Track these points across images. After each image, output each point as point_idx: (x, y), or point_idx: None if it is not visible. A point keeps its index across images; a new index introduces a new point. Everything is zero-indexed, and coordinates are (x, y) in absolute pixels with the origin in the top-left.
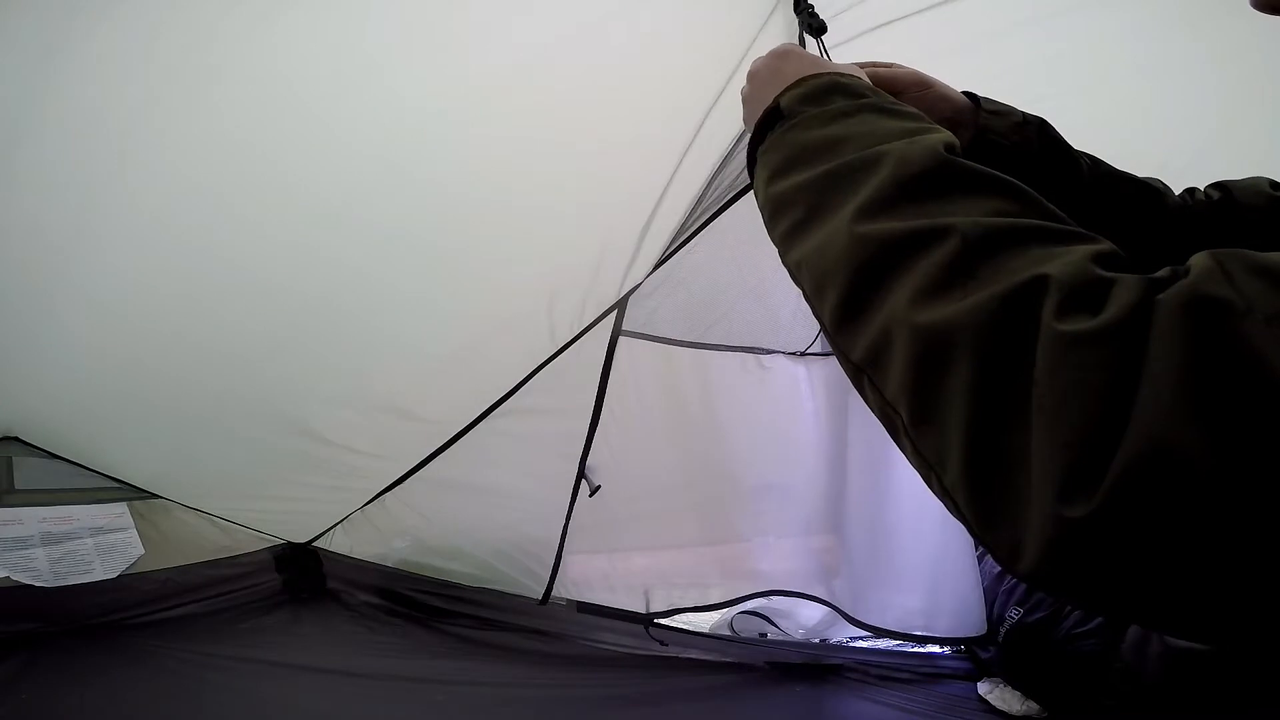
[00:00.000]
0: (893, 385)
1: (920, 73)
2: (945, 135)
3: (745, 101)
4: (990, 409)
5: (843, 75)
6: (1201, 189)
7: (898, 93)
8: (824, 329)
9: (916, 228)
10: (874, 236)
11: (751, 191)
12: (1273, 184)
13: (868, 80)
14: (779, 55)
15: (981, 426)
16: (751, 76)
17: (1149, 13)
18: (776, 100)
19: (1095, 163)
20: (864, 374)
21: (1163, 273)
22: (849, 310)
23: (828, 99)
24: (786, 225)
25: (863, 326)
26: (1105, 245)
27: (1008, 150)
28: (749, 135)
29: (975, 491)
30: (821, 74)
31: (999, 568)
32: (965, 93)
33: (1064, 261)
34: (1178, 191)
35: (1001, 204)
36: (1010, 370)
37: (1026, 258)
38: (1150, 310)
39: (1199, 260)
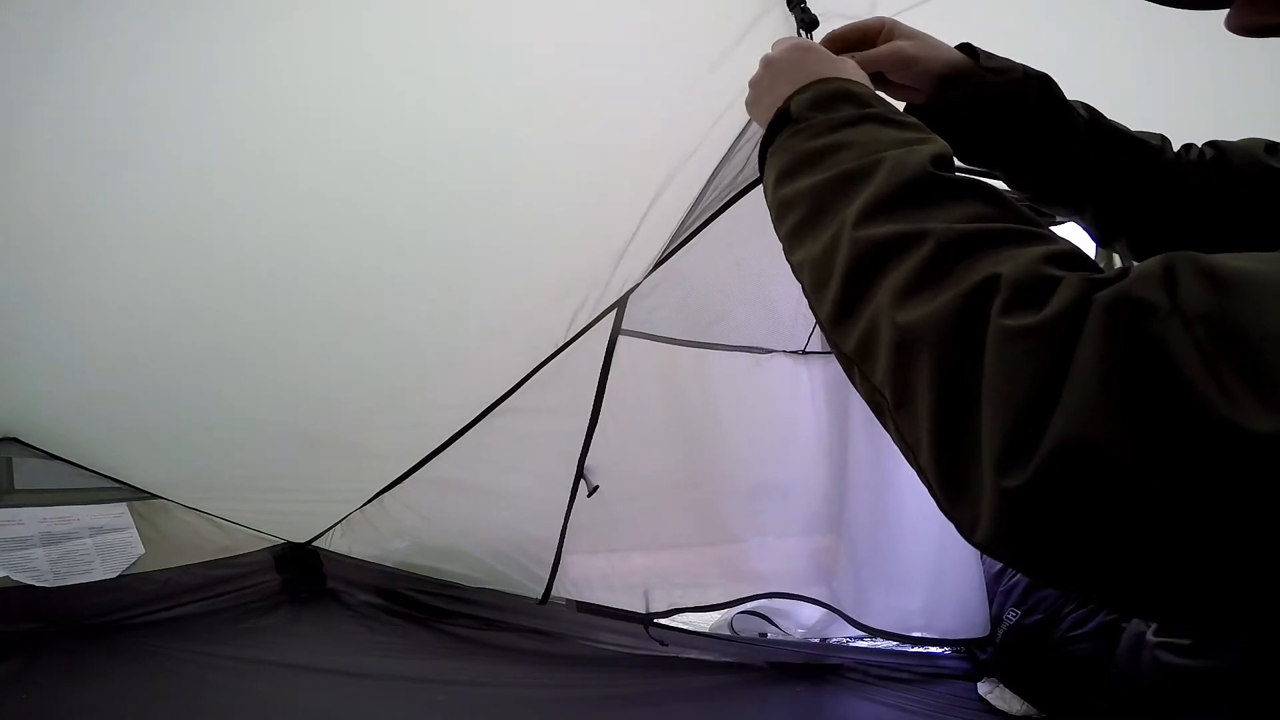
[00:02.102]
0: (879, 373)
1: (903, 47)
2: (937, 146)
3: (756, 88)
4: (950, 395)
5: (851, 82)
6: (1199, 144)
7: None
8: (820, 324)
9: (900, 232)
10: (864, 240)
11: (750, 192)
12: (1268, 147)
13: (871, 87)
14: (800, 48)
15: (943, 411)
16: (767, 65)
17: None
18: (787, 102)
19: (1094, 117)
20: (855, 365)
21: (1110, 273)
22: (843, 308)
23: (835, 106)
24: (790, 226)
25: (854, 322)
26: (1064, 245)
27: (1006, 106)
28: (750, 140)
29: (941, 469)
30: (832, 79)
31: (998, 567)
32: (965, 46)
33: (1016, 262)
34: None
35: (980, 209)
36: (966, 360)
37: (992, 257)
38: (1086, 308)
39: (1148, 262)
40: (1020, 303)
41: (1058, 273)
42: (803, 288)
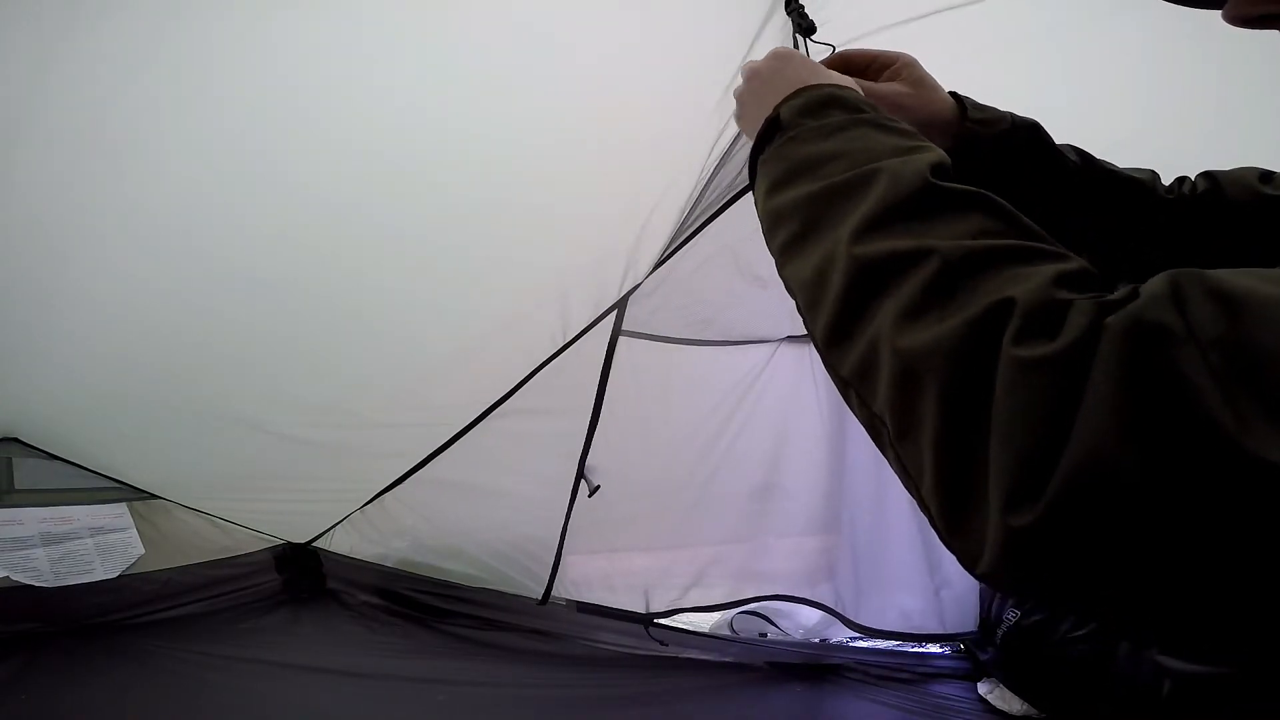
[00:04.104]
0: (880, 400)
1: (899, 94)
2: (934, 155)
3: (741, 102)
4: (957, 427)
5: (840, 88)
6: (1192, 178)
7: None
8: (815, 344)
9: (901, 249)
10: (862, 258)
11: (750, 191)
12: (1262, 176)
13: (862, 93)
14: (780, 58)
15: (949, 443)
16: (750, 76)
17: (1154, 17)
18: (776, 110)
19: (1084, 160)
20: (852, 388)
21: (1120, 293)
22: (839, 329)
23: (825, 112)
24: (783, 239)
25: (852, 344)
26: (1074, 264)
27: (993, 156)
28: (749, 142)
29: (944, 501)
30: (821, 85)
31: None
32: (952, 94)
33: (1028, 286)
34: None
35: (984, 223)
36: (975, 391)
37: (1000, 278)
38: (1098, 335)
39: (1156, 281)
40: (1033, 331)
41: (1069, 296)
42: (797, 305)
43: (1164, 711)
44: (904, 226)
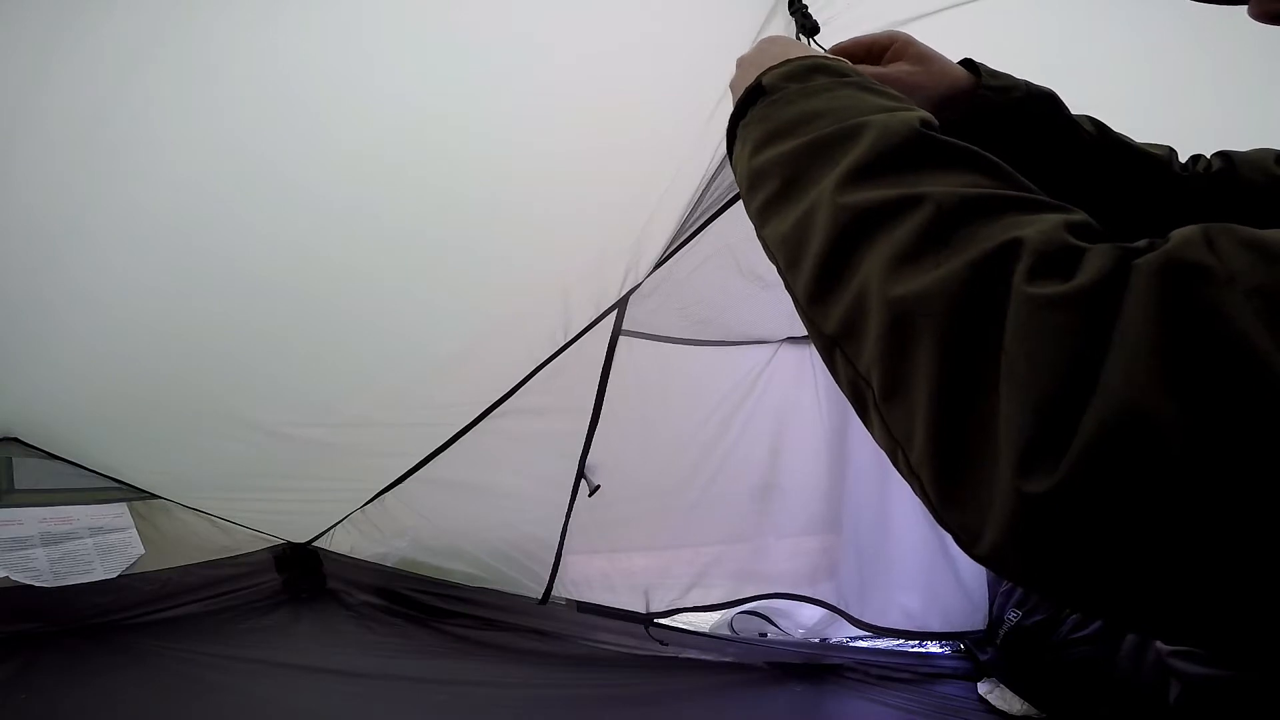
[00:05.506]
0: (866, 356)
1: (906, 74)
2: (922, 113)
3: (732, 88)
4: (959, 379)
5: (826, 57)
6: (1208, 156)
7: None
8: (797, 303)
9: (892, 196)
10: (848, 206)
11: None
12: (1278, 157)
13: (849, 63)
14: (768, 39)
15: (949, 398)
16: (739, 63)
17: (1154, 15)
18: (759, 78)
19: (1101, 132)
20: (837, 346)
21: (1140, 242)
22: (824, 281)
23: (810, 76)
24: (763, 198)
25: (837, 298)
26: (1079, 215)
27: (1006, 123)
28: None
29: (938, 468)
30: (807, 55)
31: None
32: (966, 62)
33: (1037, 228)
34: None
35: (976, 177)
36: (980, 338)
37: (1000, 224)
38: (1126, 274)
39: (1184, 230)
40: (1048, 270)
41: (1081, 243)
42: (777, 265)
43: (1168, 713)
44: (893, 176)
